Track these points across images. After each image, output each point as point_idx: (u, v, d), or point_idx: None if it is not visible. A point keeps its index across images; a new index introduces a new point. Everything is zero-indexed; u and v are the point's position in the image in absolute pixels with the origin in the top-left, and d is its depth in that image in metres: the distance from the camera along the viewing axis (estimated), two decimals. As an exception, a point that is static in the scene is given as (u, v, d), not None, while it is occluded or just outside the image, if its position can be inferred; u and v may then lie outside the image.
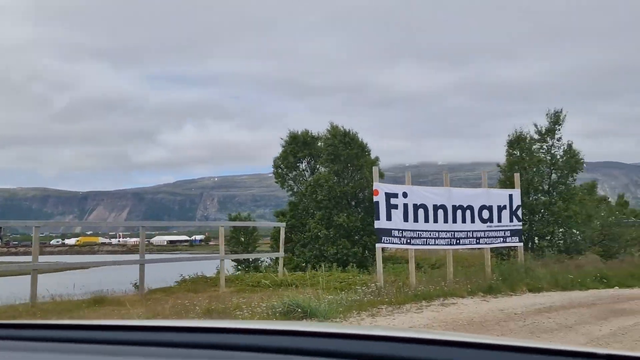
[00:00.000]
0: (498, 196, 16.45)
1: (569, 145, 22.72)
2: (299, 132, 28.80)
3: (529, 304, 12.08)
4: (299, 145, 28.43)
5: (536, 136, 22.97)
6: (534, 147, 22.90)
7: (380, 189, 14.76)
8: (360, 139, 27.73)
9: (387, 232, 14.52)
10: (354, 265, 23.49)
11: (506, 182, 22.95)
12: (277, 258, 30.13)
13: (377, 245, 14.62)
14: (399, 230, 14.67)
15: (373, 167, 15.50)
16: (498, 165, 23.16)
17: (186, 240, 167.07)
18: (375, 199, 14.75)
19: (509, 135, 23.16)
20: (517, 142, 22.85)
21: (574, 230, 22.82)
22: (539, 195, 23.04)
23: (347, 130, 27.40)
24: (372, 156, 28.89)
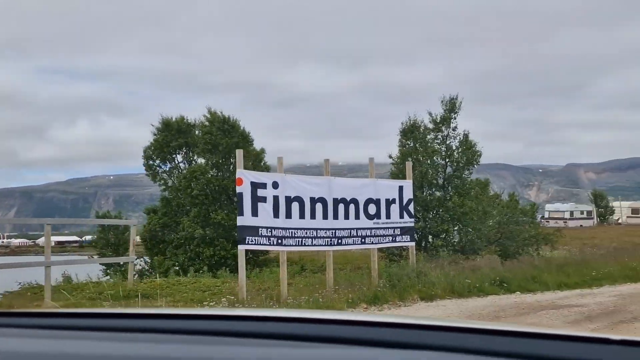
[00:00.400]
0: (387, 188, 14.12)
1: (465, 136, 20.95)
2: (173, 119, 25.50)
3: (419, 319, 9.68)
4: (172, 134, 25.11)
5: (431, 125, 21.04)
6: (429, 137, 20.96)
7: (245, 177, 12.00)
8: (242, 127, 24.84)
9: (253, 231, 11.80)
10: (229, 269, 20.64)
11: (399, 175, 20.88)
12: (152, 261, 26.84)
13: (240, 247, 11.86)
14: (267, 228, 11.99)
15: (237, 151, 12.69)
16: (390, 156, 21.04)
17: (76, 241, 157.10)
18: (238, 189, 12.00)
19: (402, 124, 21.11)
20: (410, 132, 20.81)
21: (470, 229, 21.10)
22: (434, 189, 21.14)
23: (227, 116, 24.42)
24: (258, 147, 26.11)
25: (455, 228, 21.17)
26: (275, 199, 12.15)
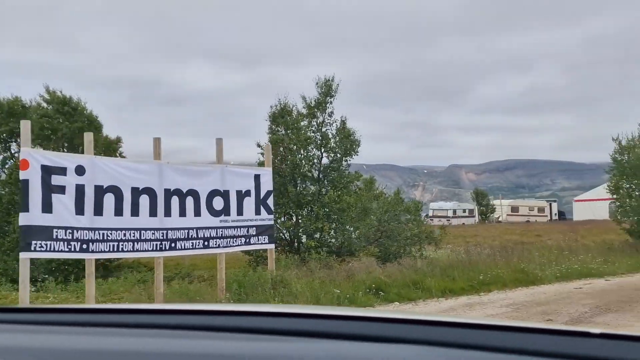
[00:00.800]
0: (239, 177, 11.32)
1: (343, 122, 18.56)
2: (4, 100, 21.36)
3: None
4: (1, 117, 21.00)
5: (304, 110, 18.48)
6: (302, 123, 18.37)
7: (33, 159, 8.78)
8: (89, 110, 21.18)
9: (44, 233, 8.62)
10: (65, 277, 17.16)
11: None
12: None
13: (22, 255, 8.64)
14: (66, 229, 8.85)
15: (21, 122, 9.37)
16: (258, 144, 18.24)
17: None
18: (22, 175, 8.78)
19: (271, 107, 18.38)
20: (281, 116, 18.14)
21: (348, 227, 18.76)
22: (308, 183, 18.61)
23: (68, 97, 20.70)
24: (113, 135, 22.54)
25: (333, 226, 18.72)
26: (80, 189, 9.04)
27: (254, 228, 11.31)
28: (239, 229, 11.04)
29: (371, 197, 21.18)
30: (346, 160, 18.77)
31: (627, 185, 22.46)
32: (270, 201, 11.70)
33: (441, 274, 14.64)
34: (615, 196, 23.01)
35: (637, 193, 22.03)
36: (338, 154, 18.54)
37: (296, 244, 18.27)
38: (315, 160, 18.56)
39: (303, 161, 18.15)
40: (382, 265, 16.62)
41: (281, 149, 18.16)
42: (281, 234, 18.34)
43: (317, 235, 18.13)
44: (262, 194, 11.53)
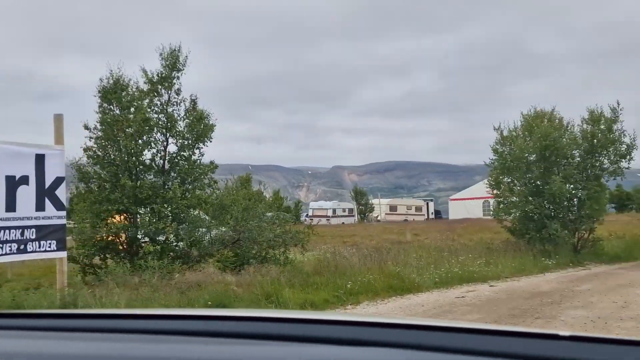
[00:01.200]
0: (9, 158, 8.03)
1: (193, 102, 15.51)
2: None
3: None
4: None
5: (146, 86, 15.25)
6: (145, 102, 15.15)
7: None
8: None
9: None
10: None
11: (97, 154, 14.93)
12: None
13: None
14: None
15: None
16: (85, 127, 14.72)
17: None
18: None
19: (101, 80, 14.94)
20: (113, 92, 14.78)
21: (203, 228, 15.79)
22: (151, 175, 15.41)
23: None
24: None
25: (182, 227, 15.60)
26: None
27: (34, 229, 8.09)
28: (8, 232, 7.78)
29: (230, 194, 18.33)
30: (199, 148, 15.75)
31: (508, 180, 21.14)
32: (62, 192, 8.51)
33: (303, 282, 12.09)
34: (495, 191, 21.64)
35: (518, 187, 20.76)
36: (188, 140, 15.49)
37: (135, 248, 15.03)
38: (159, 147, 15.39)
39: (142, 147, 14.94)
40: (238, 273, 13.86)
41: (115, 131, 14.87)
42: (116, 237, 15.09)
43: (162, 238, 15.01)
44: (48, 183, 8.33)
